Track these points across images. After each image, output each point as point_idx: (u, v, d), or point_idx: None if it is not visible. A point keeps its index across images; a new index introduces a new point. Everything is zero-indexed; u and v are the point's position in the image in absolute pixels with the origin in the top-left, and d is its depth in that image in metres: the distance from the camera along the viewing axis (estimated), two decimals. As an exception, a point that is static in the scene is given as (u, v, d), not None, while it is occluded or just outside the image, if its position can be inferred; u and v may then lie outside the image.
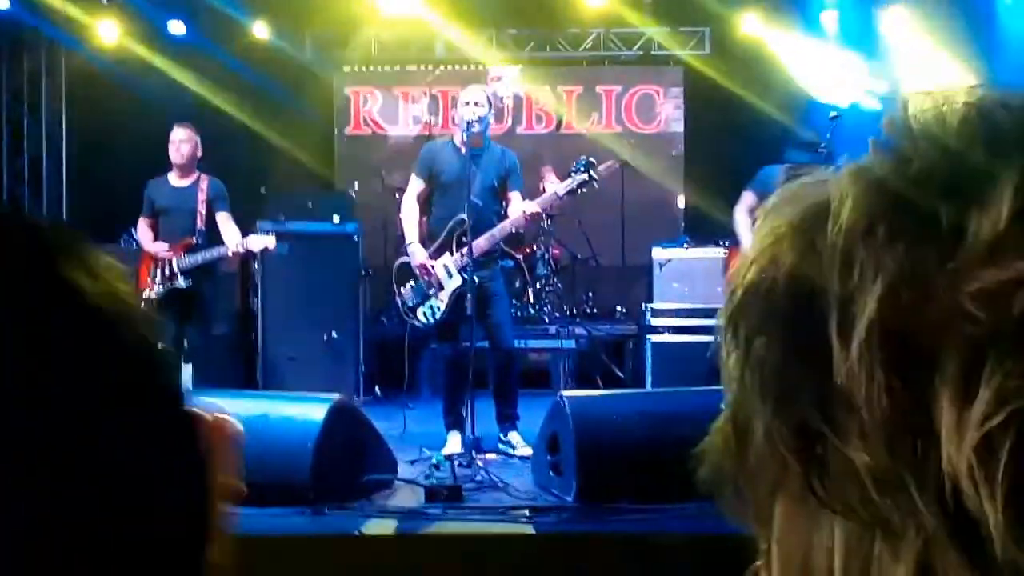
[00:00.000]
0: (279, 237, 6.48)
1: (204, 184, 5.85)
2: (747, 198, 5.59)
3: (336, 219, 6.66)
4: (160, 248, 5.75)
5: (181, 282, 5.73)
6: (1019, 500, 0.30)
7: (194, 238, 5.78)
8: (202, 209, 5.81)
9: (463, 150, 4.92)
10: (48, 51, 8.59)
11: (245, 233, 5.86)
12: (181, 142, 5.83)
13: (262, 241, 5.74)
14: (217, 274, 6.03)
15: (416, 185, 5.09)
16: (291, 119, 8.45)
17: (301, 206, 6.68)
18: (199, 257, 5.73)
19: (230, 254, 5.77)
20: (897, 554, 0.32)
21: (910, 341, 0.32)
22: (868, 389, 0.32)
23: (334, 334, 6.45)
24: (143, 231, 5.90)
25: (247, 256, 6.15)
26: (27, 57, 8.49)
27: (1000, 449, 0.30)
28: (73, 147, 8.69)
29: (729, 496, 0.39)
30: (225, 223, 5.81)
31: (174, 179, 5.89)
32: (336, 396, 4.11)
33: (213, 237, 5.80)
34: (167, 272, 5.73)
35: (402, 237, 6.52)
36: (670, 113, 9.18)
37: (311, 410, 3.96)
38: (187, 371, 5.80)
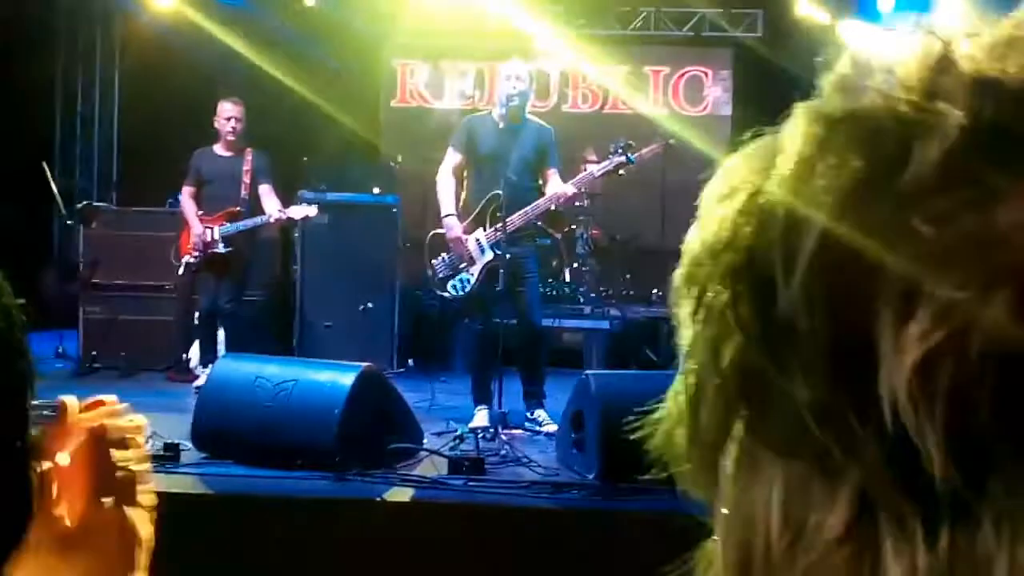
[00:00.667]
0: (319, 207, 6.56)
1: (249, 156, 5.96)
2: None
3: (377, 190, 6.70)
4: (199, 228, 5.87)
5: (220, 248, 5.85)
6: (960, 424, 0.29)
7: (238, 207, 5.89)
8: (246, 179, 5.93)
9: (501, 124, 4.92)
10: (105, 12, 8.72)
11: (286, 201, 5.93)
12: (230, 118, 5.94)
13: (303, 210, 5.81)
14: (257, 241, 6.12)
15: (452, 158, 5.10)
16: (338, 89, 8.49)
17: (343, 176, 6.74)
18: (240, 225, 5.84)
19: (272, 221, 5.86)
20: (835, 492, 0.32)
21: (852, 265, 0.31)
22: (810, 316, 0.31)
23: (370, 304, 6.51)
24: (187, 200, 6.01)
25: (288, 224, 6.23)
26: (83, 17, 8.63)
27: (939, 368, 0.29)
28: (125, 109, 8.83)
29: (680, 464, 0.38)
30: (267, 195, 5.92)
31: (220, 150, 6.01)
32: (365, 364, 4.15)
33: (256, 207, 5.91)
34: (208, 239, 5.85)
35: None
36: (718, 96, 9.06)
37: (340, 377, 4.01)
38: (222, 336, 5.90)
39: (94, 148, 8.82)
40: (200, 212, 5.95)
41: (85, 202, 7.45)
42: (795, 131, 0.35)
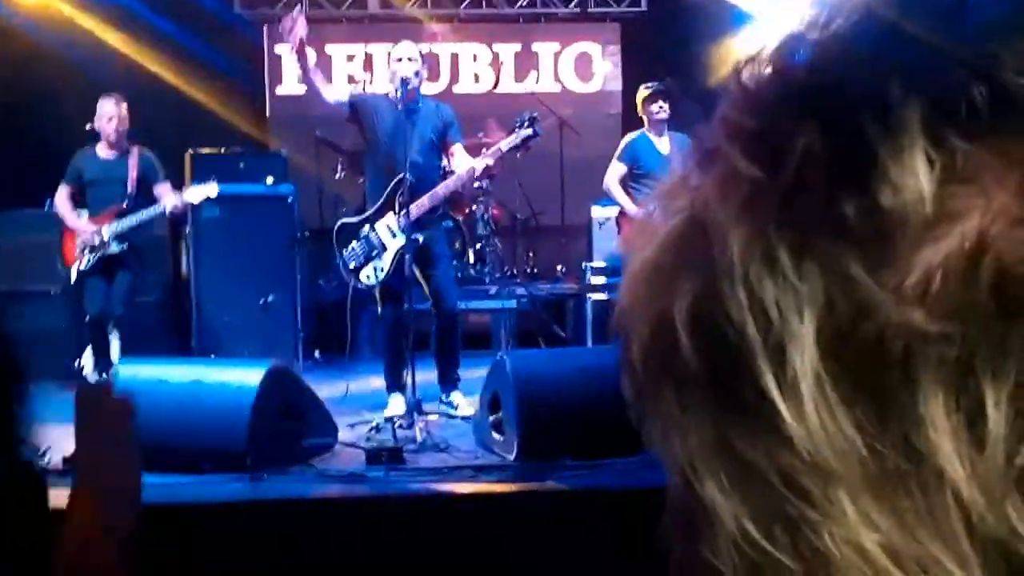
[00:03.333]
0: (212, 200, 6.32)
1: (135, 157, 5.66)
2: (614, 168, 5.64)
3: (270, 180, 6.51)
4: (84, 225, 5.57)
5: (114, 248, 5.57)
6: None
7: (124, 203, 5.60)
8: (133, 175, 5.63)
9: (398, 107, 4.83)
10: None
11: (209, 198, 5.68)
12: (111, 117, 5.61)
13: (202, 191, 5.57)
14: (151, 242, 5.89)
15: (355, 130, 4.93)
16: (220, 79, 8.22)
17: (233, 168, 6.50)
18: (133, 219, 5.57)
19: (168, 211, 5.59)
20: None
21: (871, 381, 0.26)
22: (840, 449, 0.26)
23: (270, 298, 6.33)
24: (63, 202, 5.68)
25: (178, 217, 5.97)
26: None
27: None
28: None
29: None
30: (164, 192, 5.65)
31: (103, 151, 5.70)
32: (272, 361, 4.03)
33: (146, 204, 5.63)
34: (97, 241, 5.56)
35: (339, 199, 6.39)
36: (608, 71, 9.13)
37: (247, 375, 3.88)
38: (115, 340, 5.66)
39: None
40: (85, 216, 5.67)
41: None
42: (720, 212, 0.29)
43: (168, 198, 5.59)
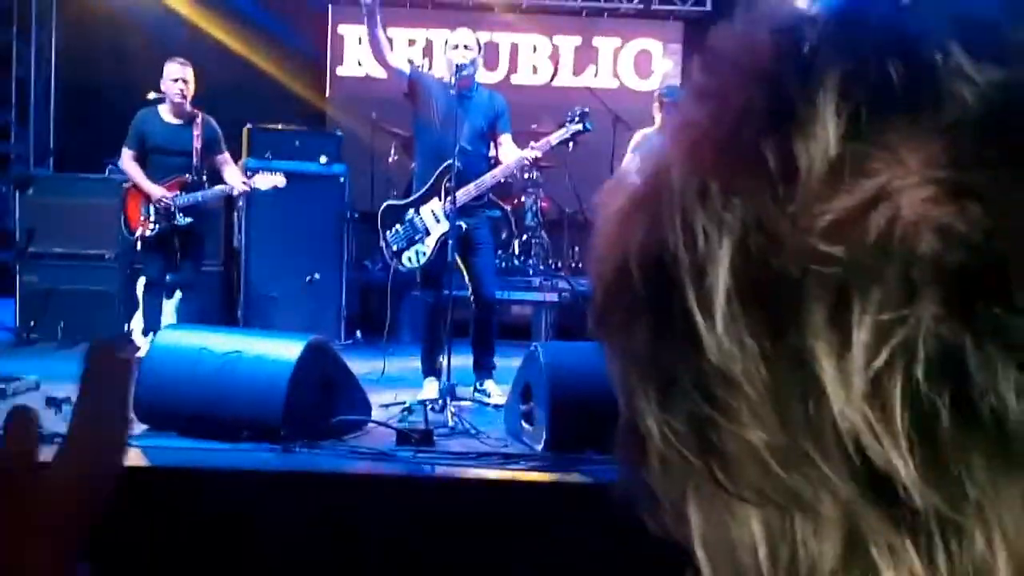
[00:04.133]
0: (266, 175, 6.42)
1: (199, 125, 5.64)
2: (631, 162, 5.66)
3: (323, 160, 6.60)
4: (157, 190, 5.58)
5: (181, 220, 5.60)
6: (924, 440, 0.28)
7: (189, 176, 5.63)
8: (198, 145, 5.64)
9: (451, 92, 4.86)
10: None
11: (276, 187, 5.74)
12: (177, 79, 5.57)
13: (270, 180, 5.63)
14: (211, 212, 5.94)
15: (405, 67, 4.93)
16: (285, 55, 8.35)
17: (288, 145, 6.61)
18: (199, 196, 5.60)
19: (235, 193, 5.65)
20: (820, 529, 0.30)
21: (772, 300, 0.30)
22: (743, 362, 0.30)
23: (316, 276, 6.44)
24: (131, 164, 5.65)
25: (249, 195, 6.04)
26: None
27: (891, 391, 0.28)
28: (62, 72, 8.56)
29: (645, 500, 0.35)
30: (225, 164, 5.69)
31: (168, 115, 5.67)
32: (312, 336, 4.10)
33: (211, 177, 5.67)
34: (166, 209, 5.58)
35: (390, 182, 6.44)
36: (668, 69, 9.08)
37: (286, 349, 3.95)
38: (172, 304, 5.78)
39: (30, 113, 8.54)
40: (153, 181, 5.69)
41: (20, 168, 7.24)
42: (671, 153, 0.33)
43: (235, 181, 5.61)
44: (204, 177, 5.69)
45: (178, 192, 5.61)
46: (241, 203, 6.52)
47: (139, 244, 5.66)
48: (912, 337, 0.28)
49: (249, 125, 6.68)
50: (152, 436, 3.84)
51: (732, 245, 0.30)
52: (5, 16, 8.36)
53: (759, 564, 0.32)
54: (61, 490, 0.72)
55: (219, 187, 5.64)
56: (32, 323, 6.31)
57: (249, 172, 5.96)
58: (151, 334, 5.53)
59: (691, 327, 0.31)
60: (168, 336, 4.29)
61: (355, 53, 9.10)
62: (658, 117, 5.72)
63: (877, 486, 0.29)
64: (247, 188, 5.62)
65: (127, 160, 5.69)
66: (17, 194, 6.63)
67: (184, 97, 5.61)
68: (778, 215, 0.30)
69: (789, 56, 0.32)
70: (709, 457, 0.32)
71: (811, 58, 0.31)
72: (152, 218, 5.59)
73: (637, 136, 5.79)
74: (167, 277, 5.71)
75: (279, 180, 5.63)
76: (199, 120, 5.67)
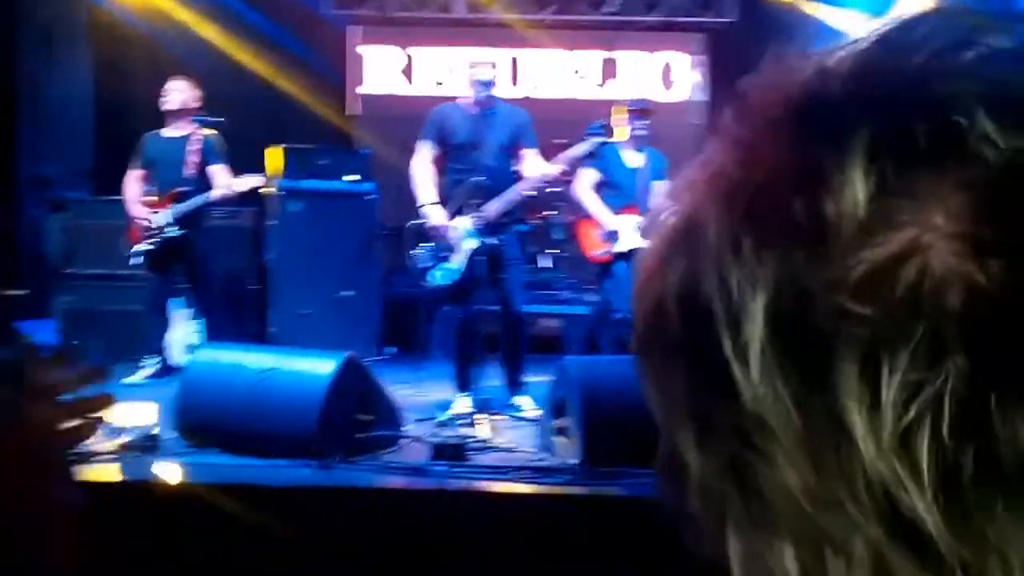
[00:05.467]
0: (295, 195, 6.51)
1: (198, 137, 5.78)
2: (586, 175, 5.56)
3: (352, 178, 6.67)
4: (139, 211, 5.75)
5: (173, 232, 5.73)
6: (949, 491, 0.29)
7: (183, 188, 5.74)
8: (194, 159, 5.76)
9: (474, 111, 4.91)
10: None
11: (257, 189, 5.83)
12: (172, 91, 5.79)
13: (250, 181, 5.72)
14: (210, 224, 5.98)
15: (425, 149, 5.06)
16: (310, 76, 8.44)
17: (316, 164, 6.69)
18: (190, 204, 5.71)
19: (220, 197, 5.72)
20: (851, 568, 0.31)
21: (804, 354, 0.31)
22: (777, 409, 0.32)
23: (347, 292, 6.49)
24: (130, 184, 5.87)
25: (248, 203, 6.11)
26: (48, 4, 8.49)
27: (918, 446, 0.29)
28: (96, 95, 8.71)
29: (685, 522, 0.37)
30: (220, 174, 5.75)
31: (167, 131, 5.87)
32: (346, 353, 4.14)
33: (205, 187, 5.76)
34: (153, 226, 5.72)
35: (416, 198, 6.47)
36: (694, 81, 9.08)
37: (321, 365, 4.00)
38: (192, 325, 5.85)
39: (64, 136, 8.69)
40: (148, 197, 5.84)
41: (55, 191, 7.36)
42: (705, 207, 0.35)
43: (218, 182, 5.71)
44: (200, 189, 5.76)
45: (169, 205, 5.75)
46: (272, 221, 6.60)
47: (139, 259, 5.80)
48: (939, 394, 0.29)
49: (283, 145, 6.76)
50: (193, 453, 3.90)
51: (765, 299, 0.32)
52: (41, 40, 8.52)
53: None
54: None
55: (204, 195, 5.72)
56: (72, 343, 6.43)
57: (282, 191, 6.03)
58: (156, 352, 5.59)
59: (727, 373, 0.33)
60: (205, 354, 4.36)
61: (374, 72, 9.20)
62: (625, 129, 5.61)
63: (904, 532, 0.30)
64: (227, 191, 5.68)
65: (128, 180, 5.91)
66: (52, 217, 6.76)
67: (173, 104, 5.78)
68: (809, 272, 0.31)
69: (817, 114, 0.33)
70: (746, 496, 0.34)
71: (838, 118, 0.32)
72: (144, 236, 5.76)
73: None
74: (175, 292, 5.80)
75: (258, 180, 5.74)
76: (197, 134, 5.82)
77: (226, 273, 6.63)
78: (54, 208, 6.82)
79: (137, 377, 5.58)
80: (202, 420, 3.95)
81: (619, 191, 5.49)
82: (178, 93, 5.80)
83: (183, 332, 5.79)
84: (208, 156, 5.77)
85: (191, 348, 5.15)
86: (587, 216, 5.59)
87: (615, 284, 5.50)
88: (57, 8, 8.52)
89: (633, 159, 5.54)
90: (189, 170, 5.75)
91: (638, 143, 5.56)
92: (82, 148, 8.75)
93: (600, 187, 5.55)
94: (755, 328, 0.32)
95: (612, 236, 5.41)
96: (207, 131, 5.86)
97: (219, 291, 6.33)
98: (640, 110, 5.60)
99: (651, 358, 0.36)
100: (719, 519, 0.35)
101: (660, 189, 5.33)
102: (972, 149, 0.30)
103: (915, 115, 0.31)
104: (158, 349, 5.86)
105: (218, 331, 5.66)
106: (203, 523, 3.37)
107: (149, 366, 5.71)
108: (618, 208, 5.48)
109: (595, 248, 5.54)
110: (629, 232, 5.37)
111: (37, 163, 8.26)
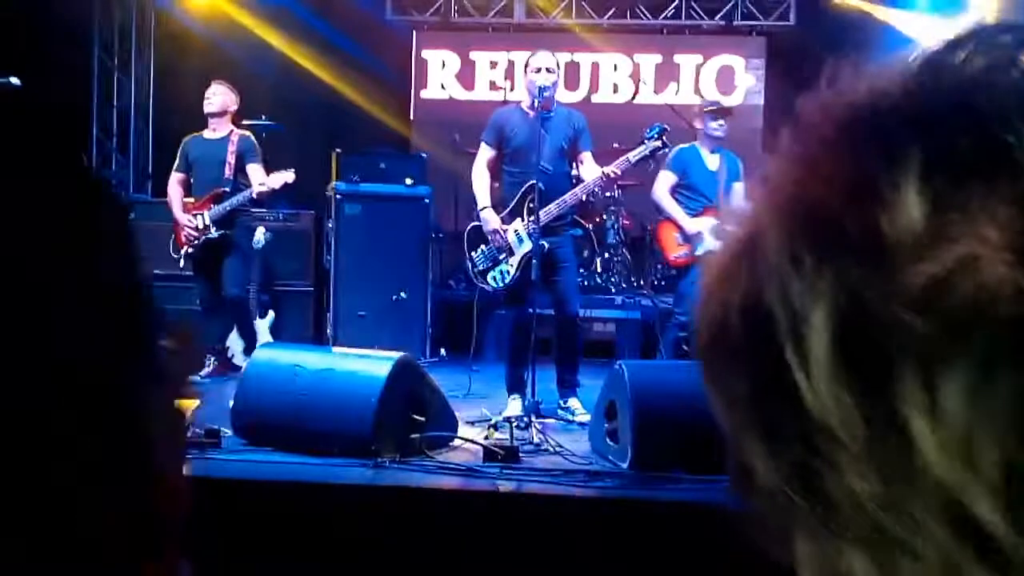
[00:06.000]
0: (353, 198, 6.62)
1: (235, 138, 5.96)
2: (665, 177, 5.50)
3: (409, 182, 6.76)
4: (180, 216, 5.92)
5: (213, 232, 5.87)
6: (1012, 495, 0.30)
7: (223, 188, 5.90)
8: (231, 159, 5.92)
9: (532, 115, 4.94)
10: (139, 6, 8.83)
11: (318, 196, 5.90)
12: (212, 94, 5.96)
13: (281, 177, 5.79)
14: (249, 224, 6.06)
15: (486, 152, 5.12)
16: (370, 80, 8.56)
17: (375, 168, 6.79)
18: (226, 205, 5.85)
19: (254, 195, 5.84)
20: (921, 568, 0.32)
21: (865, 363, 0.32)
22: (841, 417, 0.32)
23: (403, 294, 6.57)
24: (173, 187, 6.05)
25: (306, 206, 6.20)
26: (119, 11, 8.75)
27: (980, 451, 0.30)
28: (158, 102, 8.95)
29: (752, 524, 0.38)
30: (254, 173, 5.88)
31: (208, 133, 6.04)
32: (401, 354, 4.20)
33: (242, 186, 5.91)
34: (198, 225, 5.87)
35: (473, 201, 6.56)
36: (751, 85, 9.01)
37: (376, 366, 4.06)
38: (266, 323, 5.97)
39: (130, 140, 8.94)
40: (190, 199, 6.00)
41: (122, 193, 7.59)
42: (766, 221, 0.36)
43: (255, 179, 5.82)
44: (238, 189, 5.88)
45: (209, 208, 5.89)
46: (330, 224, 6.72)
47: (182, 261, 5.94)
48: (998, 399, 0.30)
49: (338, 150, 6.87)
50: (250, 451, 3.99)
51: (826, 312, 0.33)
52: (107, 50, 8.78)
53: None
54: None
55: (241, 194, 5.83)
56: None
57: (339, 196, 6.11)
58: (211, 353, 5.72)
59: (791, 382, 0.34)
60: (263, 354, 4.45)
61: (438, 76, 9.28)
62: (702, 132, 5.53)
63: (971, 534, 0.31)
64: (263, 188, 5.78)
65: (172, 182, 6.08)
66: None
67: (213, 106, 5.93)
68: (867, 286, 0.32)
69: (870, 134, 0.34)
70: (814, 501, 0.34)
71: (891, 136, 0.34)
72: (189, 236, 5.90)
73: (675, 151, 5.50)
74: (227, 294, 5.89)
75: (289, 176, 5.79)
76: (235, 135, 5.97)
77: (284, 274, 6.76)
78: (121, 210, 7.02)
79: (196, 377, 5.71)
80: (259, 418, 4.04)
81: (698, 194, 5.44)
82: (219, 96, 5.98)
83: (260, 334, 5.89)
84: (245, 156, 5.92)
85: (253, 348, 5.25)
86: (667, 218, 5.54)
87: (691, 288, 5.46)
88: (126, 15, 8.78)
89: (711, 162, 5.50)
90: (228, 172, 5.90)
91: (714, 145, 5.49)
92: (143, 151, 9.00)
93: (678, 189, 5.51)
94: (817, 339, 0.33)
95: (693, 239, 5.35)
96: (243, 131, 6.03)
97: (274, 293, 6.45)
98: (717, 110, 5.55)
99: (715, 365, 0.38)
100: (786, 524, 0.36)
101: (739, 191, 5.28)
102: (1021, 164, 0.31)
103: (964, 133, 0.33)
104: (213, 348, 5.97)
105: (282, 332, 5.77)
106: (255, 519, 3.45)
107: (207, 364, 5.84)
108: (698, 211, 5.41)
109: (674, 251, 5.47)
110: (709, 235, 5.30)
111: (105, 166, 8.52)
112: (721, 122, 5.48)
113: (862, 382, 0.32)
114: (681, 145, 5.59)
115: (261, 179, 5.84)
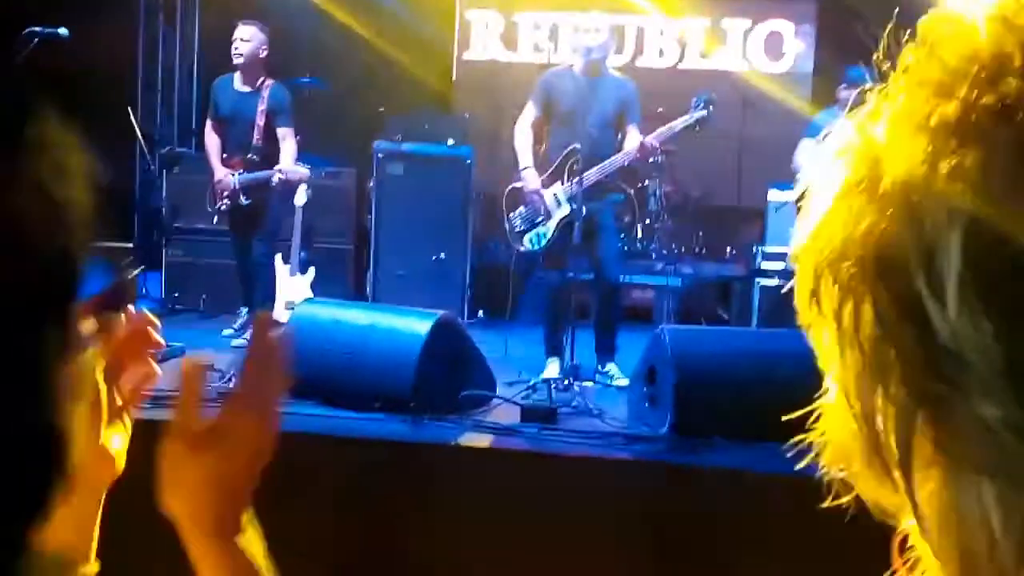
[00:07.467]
0: (395, 157, 6.60)
1: (266, 92, 5.58)
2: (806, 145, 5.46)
3: (451, 142, 6.73)
4: (218, 170, 5.69)
5: (242, 199, 5.67)
6: None
7: (250, 155, 5.65)
8: (260, 121, 5.59)
9: (581, 78, 4.89)
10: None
11: (362, 151, 5.81)
12: (241, 40, 5.53)
13: (300, 173, 5.57)
14: (280, 188, 5.68)
15: (531, 112, 5.08)
16: (413, 40, 8.51)
17: (418, 127, 6.77)
18: (253, 176, 5.63)
19: (274, 181, 5.53)
20: None
21: (1004, 284, 0.31)
22: (978, 342, 0.31)
23: (442, 255, 6.58)
24: (210, 137, 5.78)
25: (348, 164, 6.12)
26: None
27: None
28: (204, 59, 8.97)
29: (861, 474, 0.37)
30: (284, 140, 5.56)
31: (238, 82, 5.67)
32: (442, 312, 4.21)
33: (272, 150, 5.60)
34: (229, 188, 5.68)
35: (515, 164, 6.53)
36: (800, 51, 8.84)
37: (417, 324, 4.08)
38: (301, 281, 5.98)
39: (175, 97, 8.99)
40: (223, 153, 5.73)
41: (167, 148, 7.64)
42: (895, 143, 0.34)
43: (285, 158, 5.49)
44: (264, 156, 5.61)
45: (237, 171, 5.65)
46: (372, 183, 6.72)
47: (216, 218, 5.79)
48: None
49: (381, 108, 6.86)
50: (292, 403, 4.03)
51: (961, 232, 0.32)
52: (154, 8, 8.81)
53: (991, 532, 0.33)
54: (234, 444, 0.79)
55: (264, 172, 5.56)
56: (176, 294, 6.71)
57: (381, 155, 6.06)
58: (250, 310, 5.57)
59: (920, 310, 0.32)
60: (305, 310, 4.49)
61: (482, 38, 9.20)
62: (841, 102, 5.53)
63: None
64: (282, 176, 5.48)
65: (207, 132, 5.81)
66: (164, 173, 7.02)
67: (244, 57, 5.49)
68: (1004, 199, 0.31)
69: (1006, 51, 0.33)
70: (939, 432, 0.33)
71: None
72: (223, 195, 5.69)
73: (816, 118, 5.55)
74: (254, 252, 5.73)
75: (303, 171, 5.58)
76: (266, 87, 5.56)
77: (324, 232, 6.78)
78: (167, 163, 7.07)
79: (231, 330, 5.72)
80: (300, 372, 4.07)
81: None
82: (246, 43, 5.49)
83: (289, 288, 5.87)
84: (276, 116, 5.57)
85: (295, 304, 5.24)
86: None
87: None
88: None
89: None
90: (256, 136, 5.59)
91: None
92: (187, 109, 9.04)
93: None
94: (951, 261, 0.32)
95: None
96: (274, 84, 5.63)
97: (317, 249, 6.46)
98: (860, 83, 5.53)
99: (823, 303, 0.36)
100: (906, 458, 0.35)
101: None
102: None
103: None
104: (248, 303, 5.90)
105: (320, 289, 5.79)
106: (298, 471, 3.49)
107: (241, 317, 5.84)
108: None
109: None
110: None
111: (150, 123, 8.58)
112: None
113: (999, 303, 0.31)
114: (822, 112, 5.58)
115: (286, 158, 5.52)
